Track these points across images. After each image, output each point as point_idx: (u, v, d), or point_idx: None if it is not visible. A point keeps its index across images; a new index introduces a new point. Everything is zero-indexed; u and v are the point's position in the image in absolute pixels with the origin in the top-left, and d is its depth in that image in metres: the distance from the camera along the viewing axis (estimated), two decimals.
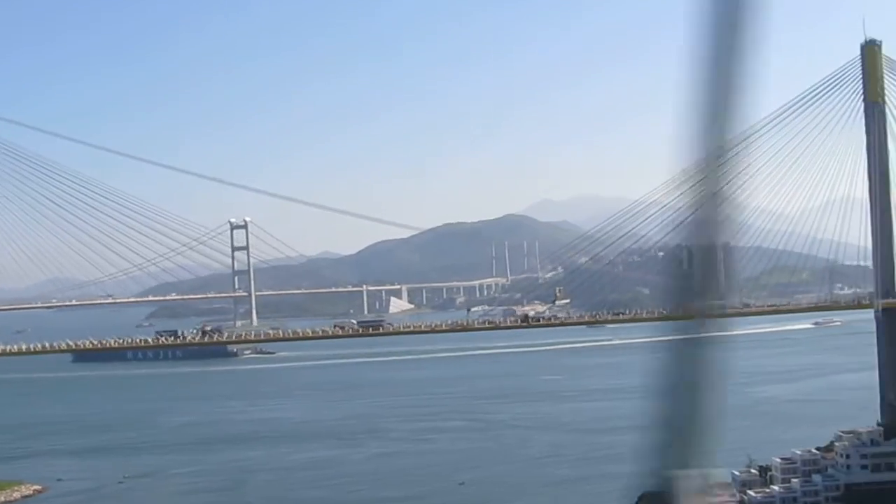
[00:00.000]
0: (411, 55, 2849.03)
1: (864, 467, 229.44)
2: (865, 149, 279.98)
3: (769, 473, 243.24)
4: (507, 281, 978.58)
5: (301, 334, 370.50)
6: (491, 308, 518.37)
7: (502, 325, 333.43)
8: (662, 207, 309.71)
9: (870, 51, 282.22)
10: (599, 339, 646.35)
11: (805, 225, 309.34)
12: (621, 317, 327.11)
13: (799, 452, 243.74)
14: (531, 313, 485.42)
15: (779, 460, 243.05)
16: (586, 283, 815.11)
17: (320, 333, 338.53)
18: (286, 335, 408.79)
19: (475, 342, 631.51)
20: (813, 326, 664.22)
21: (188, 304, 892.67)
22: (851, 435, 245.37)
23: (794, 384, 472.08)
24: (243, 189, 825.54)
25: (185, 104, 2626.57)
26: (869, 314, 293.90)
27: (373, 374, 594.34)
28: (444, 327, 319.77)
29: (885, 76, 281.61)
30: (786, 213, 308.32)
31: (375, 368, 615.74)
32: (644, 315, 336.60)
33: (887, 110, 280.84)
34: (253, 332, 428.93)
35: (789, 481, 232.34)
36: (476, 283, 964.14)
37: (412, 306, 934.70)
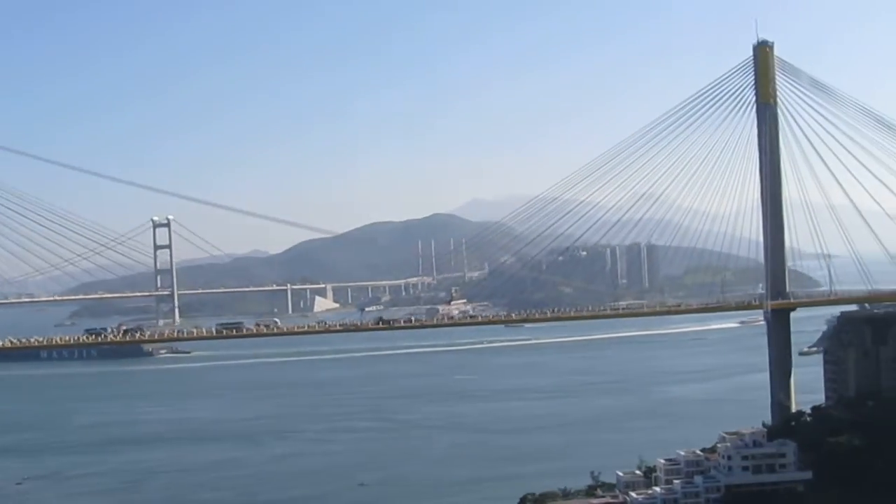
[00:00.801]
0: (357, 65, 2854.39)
1: (745, 469, 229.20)
2: (757, 150, 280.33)
3: (654, 474, 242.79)
4: (434, 280, 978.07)
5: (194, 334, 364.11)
6: (381, 308, 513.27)
7: (369, 325, 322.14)
8: (593, 207, 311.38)
9: (762, 52, 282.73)
10: (518, 338, 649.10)
11: (734, 225, 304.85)
12: (538, 316, 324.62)
13: (683, 453, 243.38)
14: (455, 312, 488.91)
15: (662, 461, 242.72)
16: (510, 282, 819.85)
17: (214, 333, 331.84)
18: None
19: (399, 341, 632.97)
20: (738, 325, 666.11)
21: (111, 304, 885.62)
22: (735, 436, 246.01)
23: (704, 384, 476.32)
24: (168, 194, 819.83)
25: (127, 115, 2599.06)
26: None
27: (290, 373, 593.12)
28: (337, 327, 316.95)
29: (776, 77, 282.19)
30: (718, 214, 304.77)
31: (294, 368, 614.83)
32: (566, 314, 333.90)
33: (779, 111, 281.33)
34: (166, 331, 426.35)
35: (672, 482, 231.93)
36: (402, 282, 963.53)
37: (337, 305, 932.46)
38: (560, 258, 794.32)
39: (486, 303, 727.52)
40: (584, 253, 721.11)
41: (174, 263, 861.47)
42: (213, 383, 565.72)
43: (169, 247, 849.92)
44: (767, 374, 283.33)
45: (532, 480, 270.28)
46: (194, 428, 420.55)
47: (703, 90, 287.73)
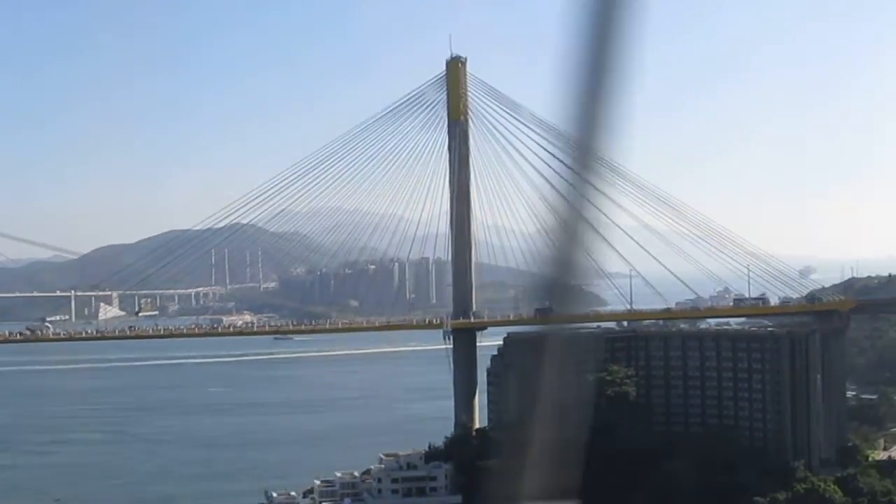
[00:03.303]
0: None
1: (394, 491, 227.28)
2: (448, 169, 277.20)
3: (311, 495, 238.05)
4: (226, 290, 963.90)
5: None
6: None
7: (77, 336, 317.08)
8: (400, 221, 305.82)
9: (453, 67, 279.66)
10: (287, 351, 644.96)
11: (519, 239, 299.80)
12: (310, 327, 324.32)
13: (339, 475, 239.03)
14: (240, 323, 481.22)
15: (318, 482, 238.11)
16: (298, 292, 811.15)
17: None
18: None
19: (176, 351, 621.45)
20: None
21: None
22: (392, 457, 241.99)
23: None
24: None
25: None
26: None
27: (48, 381, 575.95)
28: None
29: (468, 93, 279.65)
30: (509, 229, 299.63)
31: (57, 376, 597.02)
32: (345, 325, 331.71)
33: (470, 128, 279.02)
34: None
35: None
36: (192, 291, 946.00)
37: (123, 313, 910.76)
38: (348, 271, 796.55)
39: (271, 314, 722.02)
40: (373, 267, 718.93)
41: None
42: None
43: None
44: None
45: (227, 499, 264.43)
46: None
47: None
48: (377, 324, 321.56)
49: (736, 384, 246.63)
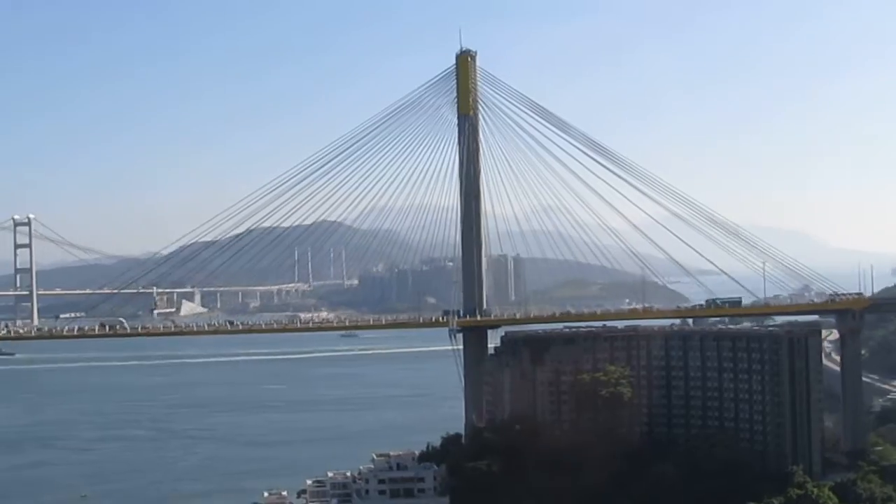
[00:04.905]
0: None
1: (381, 492, 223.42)
2: (458, 164, 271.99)
3: (304, 495, 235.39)
4: (309, 287, 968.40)
5: None
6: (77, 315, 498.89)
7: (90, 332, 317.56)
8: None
9: (463, 61, 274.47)
10: (355, 348, 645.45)
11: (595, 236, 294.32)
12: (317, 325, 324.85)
13: (331, 475, 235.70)
14: (317, 319, 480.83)
15: (310, 482, 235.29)
16: (378, 290, 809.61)
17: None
18: None
19: (256, 347, 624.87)
20: None
21: None
22: (384, 458, 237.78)
23: None
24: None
25: None
26: None
27: (112, 378, 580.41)
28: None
29: (478, 87, 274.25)
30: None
31: (119, 372, 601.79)
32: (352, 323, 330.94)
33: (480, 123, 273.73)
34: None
35: None
36: (274, 287, 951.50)
37: (205, 310, 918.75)
38: (425, 268, 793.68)
39: (349, 311, 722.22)
40: (451, 263, 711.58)
41: (34, 264, 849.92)
42: (20, 386, 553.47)
43: (29, 246, 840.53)
44: None
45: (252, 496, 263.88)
46: None
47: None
48: (384, 321, 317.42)
49: (737, 385, 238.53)
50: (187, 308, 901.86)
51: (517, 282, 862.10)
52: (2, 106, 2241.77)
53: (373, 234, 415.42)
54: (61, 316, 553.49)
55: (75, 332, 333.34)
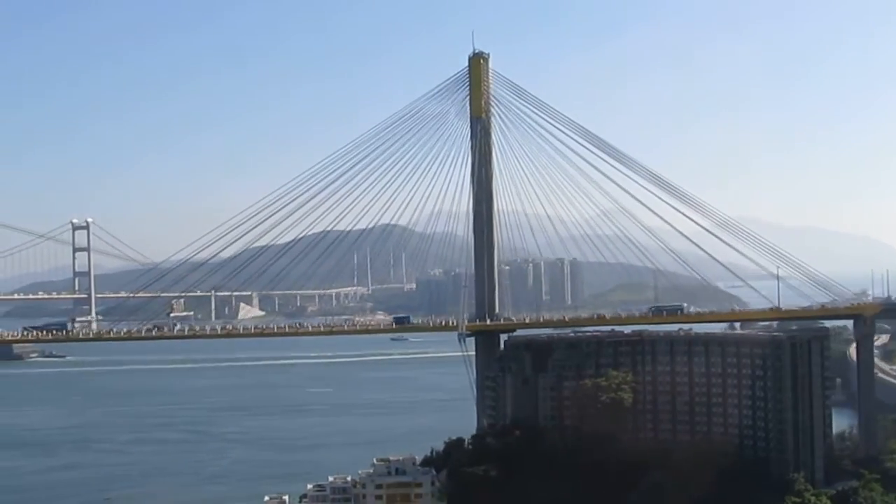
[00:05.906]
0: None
1: (378, 497, 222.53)
2: (470, 167, 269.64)
3: (305, 500, 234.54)
4: (369, 291, 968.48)
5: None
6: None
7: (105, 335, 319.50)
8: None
9: (475, 63, 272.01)
10: (406, 351, 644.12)
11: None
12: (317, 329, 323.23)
13: (331, 479, 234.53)
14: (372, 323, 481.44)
15: (310, 486, 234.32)
16: (435, 293, 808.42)
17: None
18: None
19: (303, 350, 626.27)
20: None
21: (40, 305, 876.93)
22: (384, 462, 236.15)
23: None
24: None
25: None
26: None
27: (159, 380, 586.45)
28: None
29: (490, 90, 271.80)
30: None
31: (167, 375, 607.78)
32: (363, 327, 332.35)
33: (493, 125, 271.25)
34: None
35: None
36: (332, 291, 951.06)
37: (263, 313, 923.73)
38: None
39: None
40: (507, 267, 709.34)
41: (92, 267, 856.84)
42: (68, 389, 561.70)
43: (87, 248, 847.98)
44: None
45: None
46: (2, 435, 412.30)
47: None
48: (394, 326, 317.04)
49: (740, 391, 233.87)
50: (245, 311, 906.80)
51: (574, 285, 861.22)
52: (68, 112, 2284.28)
53: (429, 237, 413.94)
54: (78, 320, 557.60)
55: (122, 335, 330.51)
